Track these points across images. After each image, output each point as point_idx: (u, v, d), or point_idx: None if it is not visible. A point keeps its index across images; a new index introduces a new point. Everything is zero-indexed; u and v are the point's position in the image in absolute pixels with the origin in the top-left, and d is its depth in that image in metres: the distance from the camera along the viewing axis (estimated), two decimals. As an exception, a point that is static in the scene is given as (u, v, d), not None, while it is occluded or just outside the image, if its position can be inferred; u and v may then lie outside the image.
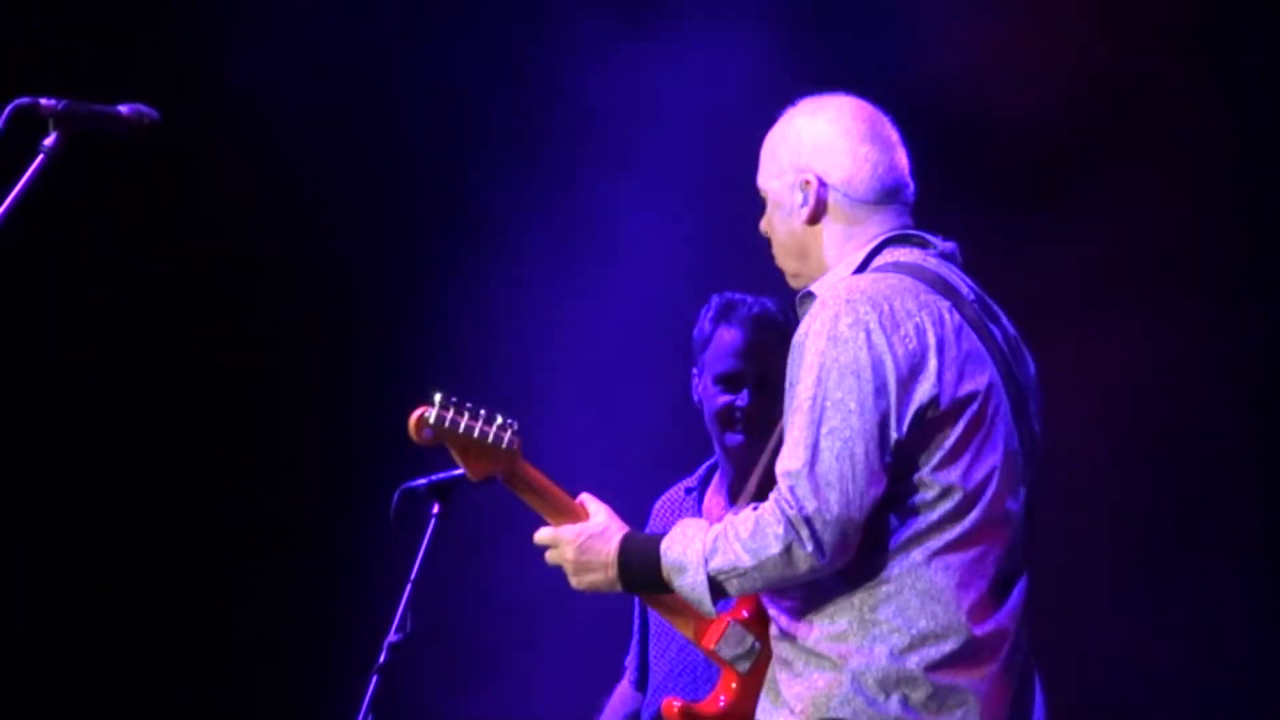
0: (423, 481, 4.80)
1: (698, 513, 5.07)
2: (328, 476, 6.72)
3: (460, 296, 6.74)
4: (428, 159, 6.88)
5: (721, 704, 3.95)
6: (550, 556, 3.94)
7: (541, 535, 3.96)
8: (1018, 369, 3.92)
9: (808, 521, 3.66)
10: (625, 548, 3.86)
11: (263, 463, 6.81)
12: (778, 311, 4.96)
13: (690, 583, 3.75)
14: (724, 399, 4.95)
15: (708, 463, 5.15)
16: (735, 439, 4.96)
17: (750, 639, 3.93)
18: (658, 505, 5.21)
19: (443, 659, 6.26)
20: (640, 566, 3.83)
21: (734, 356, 4.96)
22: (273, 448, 6.83)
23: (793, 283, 3.99)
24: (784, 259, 3.98)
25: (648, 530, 5.15)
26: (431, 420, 3.96)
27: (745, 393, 4.94)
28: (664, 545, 3.80)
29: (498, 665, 6.61)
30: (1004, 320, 3.95)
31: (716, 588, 3.74)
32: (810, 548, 3.66)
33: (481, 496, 4.88)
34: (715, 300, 5.05)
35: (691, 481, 5.16)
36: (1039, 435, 3.94)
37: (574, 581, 3.92)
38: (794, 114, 3.98)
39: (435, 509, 4.76)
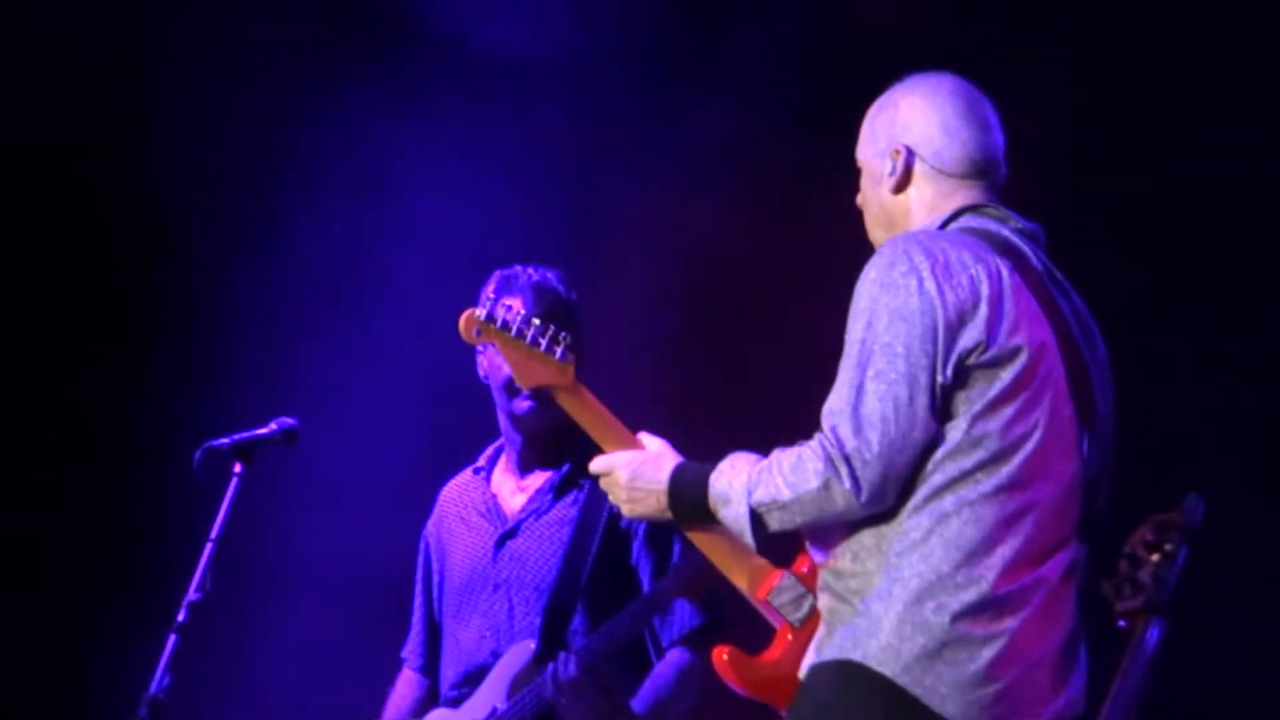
0: (226, 441, 4.78)
1: (487, 493, 5.11)
2: (128, 433, 6.71)
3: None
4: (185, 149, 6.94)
5: (777, 651, 3.94)
6: (604, 484, 3.97)
7: (598, 462, 3.99)
8: (1085, 344, 3.93)
9: (847, 460, 3.69)
10: (676, 476, 3.88)
11: (66, 417, 6.80)
12: (558, 281, 5.00)
13: (734, 514, 3.77)
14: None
15: (493, 444, 5.19)
16: (523, 405, 4.98)
17: (804, 591, 3.94)
18: (445, 490, 5.25)
19: (237, 620, 6.27)
20: (689, 495, 3.84)
21: None
22: (77, 404, 6.82)
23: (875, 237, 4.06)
24: (874, 230, 4.05)
25: (434, 519, 5.21)
26: (481, 318, 4.00)
27: None
28: (712, 476, 3.81)
29: (285, 629, 6.67)
30: (1075, 298, 3.97)
31: (757, 520, 3.75)
32: (848, 485, 3.69)
33: (285, 457, 4.95)
34: (496, 274, 5.08)
35: (481, 462, 5.20)
36: (1104, 415, 3.95)
37: (626, 510, 3.95)
38: (896, 89, 4.06)
39: (238, 468, 4.74)
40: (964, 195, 3.99)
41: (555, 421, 4.91)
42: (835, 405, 3.73)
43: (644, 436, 4.03)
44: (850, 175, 4.16)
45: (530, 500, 5.05)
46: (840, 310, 3.87)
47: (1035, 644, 3.75)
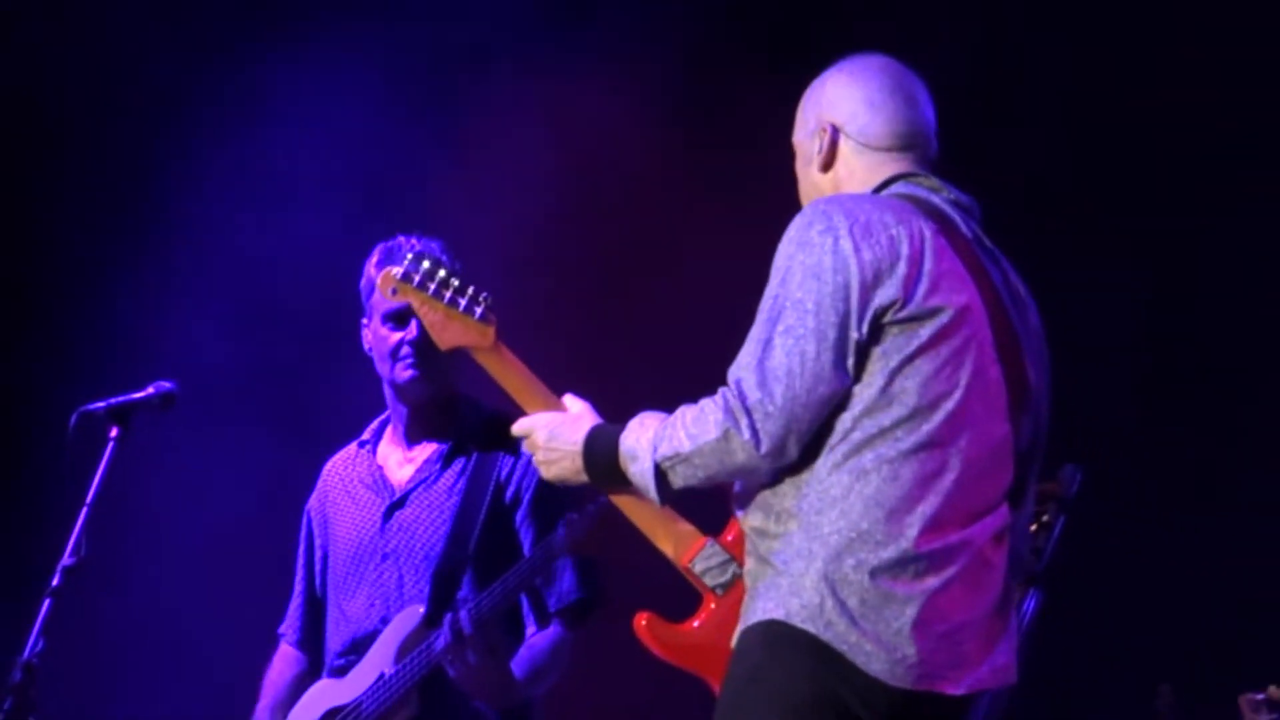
0: (101, 405, 4.76)
1: (373, 465, 5.14)
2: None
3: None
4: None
5: (698, 619, 3.99)
6: (526, 445, 3.99)
7: (519, 424, 4.00)
8: (1015, 313, 3.95)
9: (748, 411, 3.70)
10: (590, 437, 3.90)
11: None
12: (440, 249, 5.02)
13: (640, 470, 3.79)
14: (395, 335, 4.99)
15: (379, 417, 5.21)
16: (407, 373, 5.00)
17: (728, 559, 3.97)
18: (329, 465, 5.26)
19: (109, 586, 6.28)
20: (602, 455, 3.86)
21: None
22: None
23: None
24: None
25: (317, 494, 5.23)
26: (398, 275, 4.03)
27: (413, 324, 4.95)
28: (623, 434, 3.84)
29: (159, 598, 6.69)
30: (1007, 266, 4.00)
31: (661, 476, 3.78)
32: (748, 435, 3.70)
33: (162, 421, 4.95)
34: (378, 246, 5.10)
35: (366, 436, 5.21)
36: (1036, 385, 3.95)
37: (544, 471, 3.97)
38: (826, 72, 4.09)
39: (113, 433, 4.72)
40: (893, 166, 4.02)
41: (439, 392, 4.98)
42: (743, 359, 3.76)
43: (568, 399, 4.04)
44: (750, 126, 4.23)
45: (418, 471, 5.07)
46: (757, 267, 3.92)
47: (959, 607, 3.75)
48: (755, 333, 3.79)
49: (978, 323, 3.85)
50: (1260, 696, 5.47)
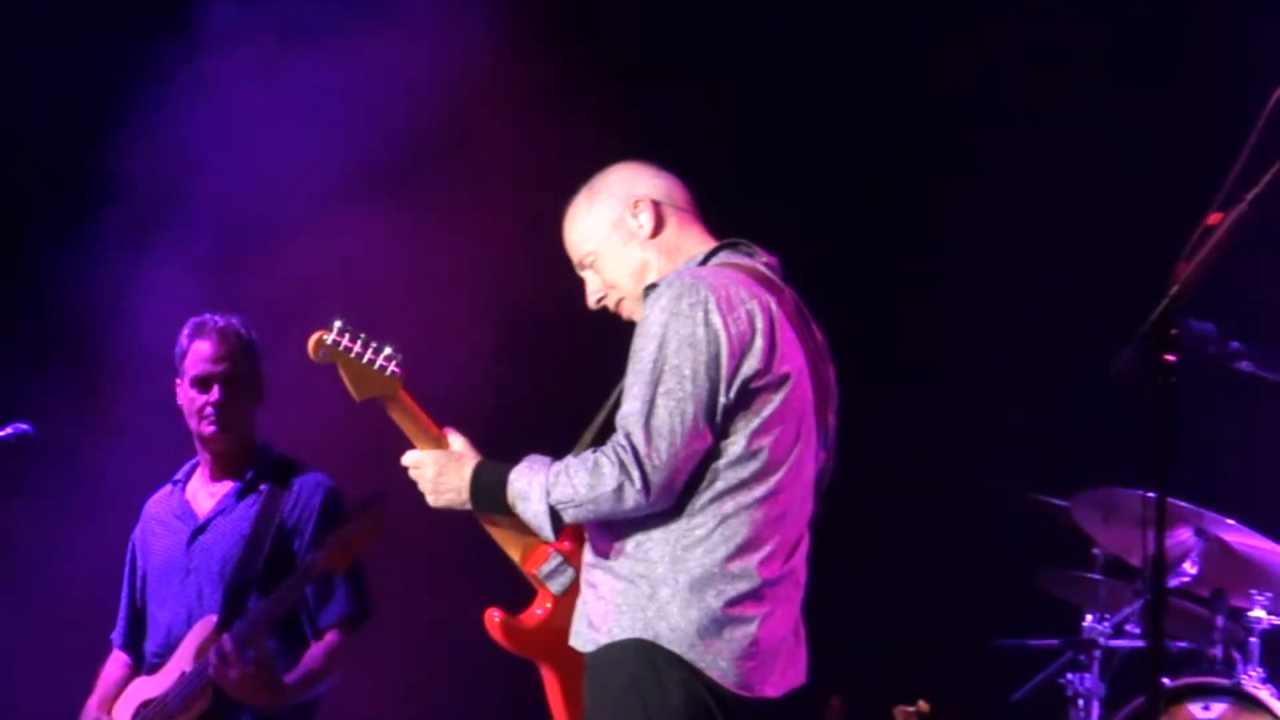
0: None
1: (182, 499, 5.93)
2: None
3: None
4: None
5: (539, 615, 4.54)
6: (413, 475, 4.52)
7: (409, 457, 4.54)
8: (822, 367, 4.50)
9: (639, 464, 4.22)
10: (477, 473, 4.43)
11: None
12: (240, 325, 5.87)
13: (533, 510, 4.31)
14: (200, 398, 5.80)
15: (190, 462, 6.01)
16: (209, 429, 5.81)
17: (568, 566, 4.54)
18: (149, 503, 6.04)
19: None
20: (489, 491, 4.40)
21: (205, 362, 5.80)
22: None
23: (635, 308, 4.50)
24: (629, 288, 4.53)
25: (139, 526, 5.99)
26: (328, 342, 4.56)
27: (215, 390, 5.79)
28: (511, 475, 4.37)
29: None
30: (814, 325, 4.52)
31: (555, 516, 4.30)
32: (639, 486, 4.22)
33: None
34: (190, 320, 5.90)
35: (179, 475, 6.01)
36: (833, 427, 4.53)
37: (431, 500, 4.50)
38: (589, 187, 4.59)
39: None
40: (699, 228, 4.54)
41: (235, 441, 5.84)
42: (630, 417, 4.26)
43: (450, 432, 4.55)
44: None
45: (219, 503, 5.89)
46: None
47: (783, 623, 4.36)
48: (638, 392, 4.27)
49: (805, 383, 4.42)
50: (911, 709, 6.13)
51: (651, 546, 4.32)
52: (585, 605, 4.40)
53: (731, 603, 4.28)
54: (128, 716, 5.83)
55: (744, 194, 4.74)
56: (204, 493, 5.94)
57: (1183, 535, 6.51)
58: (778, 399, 4.33)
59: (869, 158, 7.87)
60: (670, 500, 4.28)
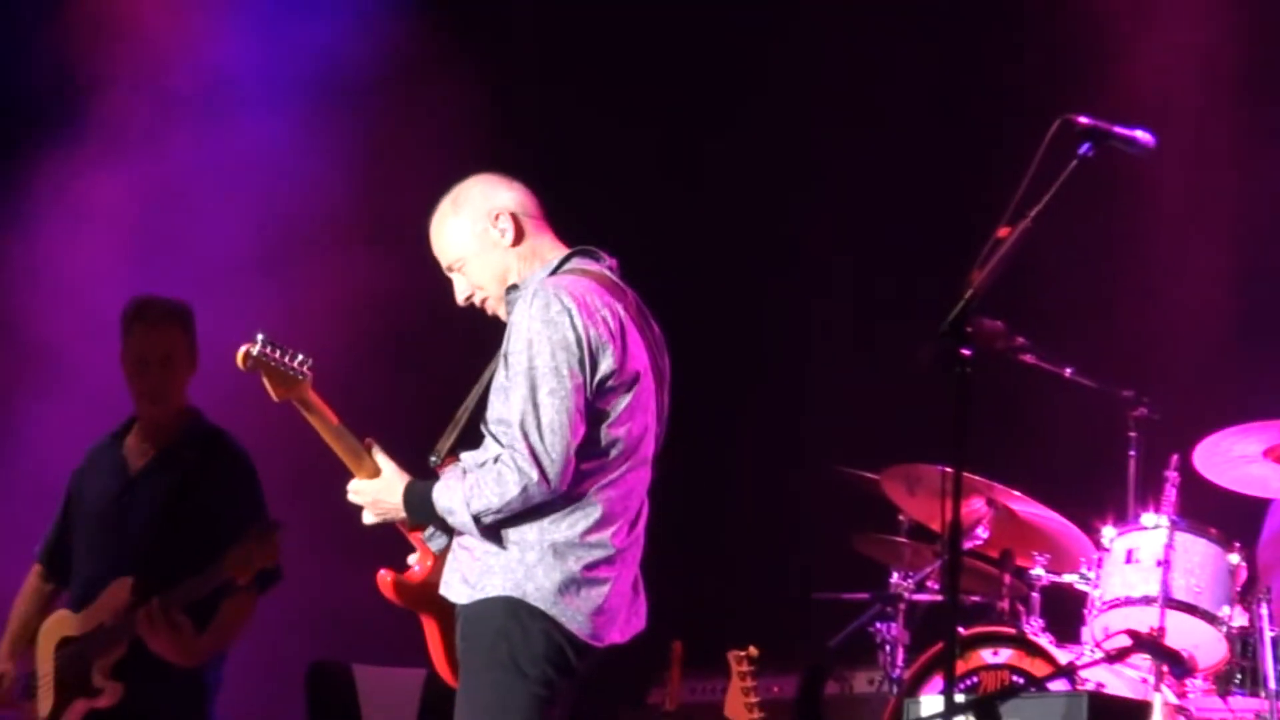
0: None
1: (118, 454, 6.44)
2: None
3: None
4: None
5: (420, 575, 4.92)
6: (353, 499, 4.91)
7: (351, 492, 4.91)
8: (660, 358, 4.86)
9: (537, 463, 4.60)
10: (407, 498, 4.82)
11: None
12: (175, 304, 6.42)
13: (460, 521, 4.71)
14: (138, 377, 6.35)
15: (129, 417, 6.54)
16: (144, 400, 6.38)
17: (445, 531, 4.87)
18: (91, 448, 6.56)
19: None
20: (420, 510, 4.80)
21: (144, 343, 6.32)
22: None
23: (499, 306, 4.87)
24: (493, 290, 4.87)
25: (80, 466, 6.51)
26: (255, 353, 4.92)
27: (153, 371, 6.32)
28: (435, 495, 4.75)
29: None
30: (652, 321, 4.88)
31: (477, 521, 4.68)
32: (537, 480, 4.60)
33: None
34: (132, 300, 6.43)
35: (117, 429, 6.54)
36: (667, 406, 4.89)
37: (367, 518, 4.90)
38: (449, 199, 4.92)
39: None
40: (551, 235, 4.87)
41: (167, 412, 6.38)
42: (521, 421, 4.62)
43: (376, 453, 4.89)
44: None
45: (147, 464, 6.41)
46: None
47: (627, 582, 4.78)
48: (522, 394, 4.62)
49: (649, 378, 4.79)
50: (742, 653, 6.47)
51: (520, 519, 4.72)
52: (460, 564, 4.79)
53: (589, 567, 4.71)
54: (50, 649, 6.33)
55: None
56: (137, 450, 6.42)
57: (976, 504, 6.97)
58: (630, 396, 4.74)
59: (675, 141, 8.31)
60: (570, 484, 4.65)
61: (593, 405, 4.69)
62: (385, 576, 4.94)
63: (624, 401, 4.73)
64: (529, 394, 4.65)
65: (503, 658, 4.69)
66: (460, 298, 4.97)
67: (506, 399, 4.70)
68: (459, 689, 4.81)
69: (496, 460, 4.69)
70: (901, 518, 7.34)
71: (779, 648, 6.89)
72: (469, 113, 8.11)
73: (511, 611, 4.70)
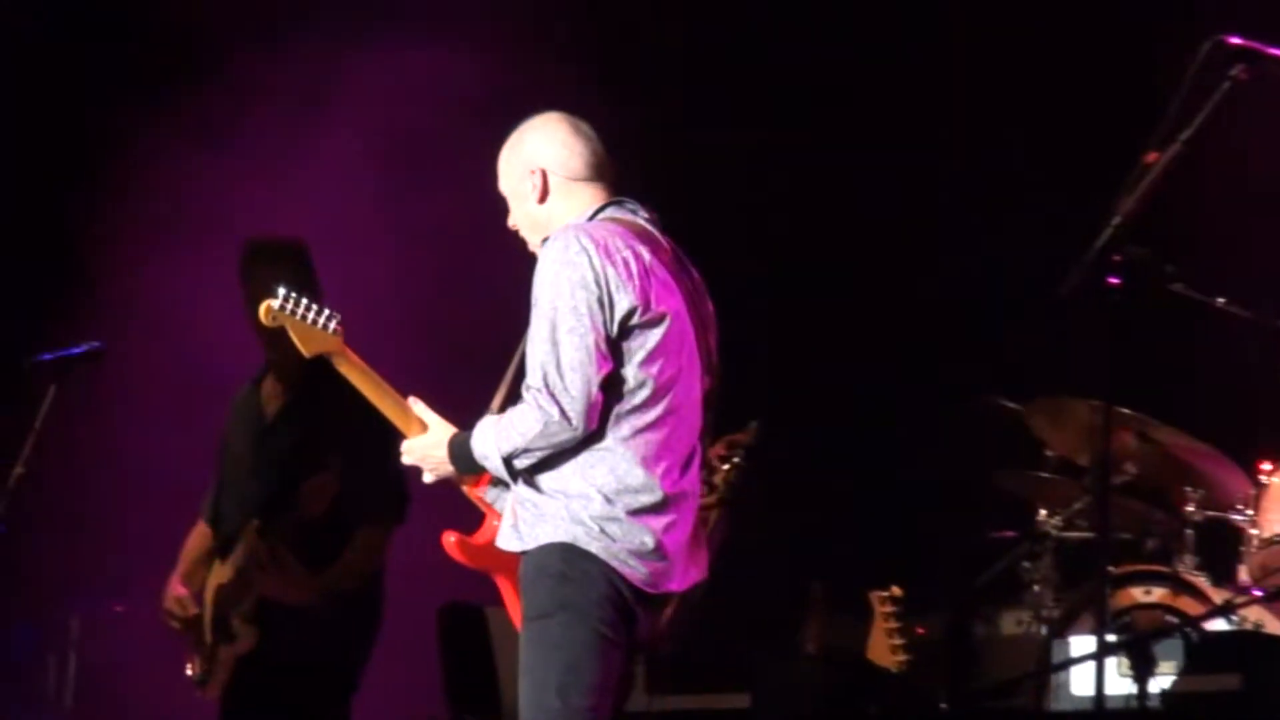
0: (44, 357, 6.09)
1: (257, 401, 6.53)
2: None
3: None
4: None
5: (487, 536, 4.98)
6: (406, 461, 5.02)
7: (403, 447, 5.01)
8: (700, 305, 4.96)
9: (555, 399, 4.72)
10: (451, 449, 4.93)
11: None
12: (290, 242, 6.51)
13: (494, 465, 4.83)
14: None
15: (265, 362, 6.61)
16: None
17: (505, 487, 4.94)
18: (236, 398, 6.66)
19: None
20: (464, 460, 4.90)
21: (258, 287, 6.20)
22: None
23: (536, 249, 4.99)
24: (531, 235, 5.03)
25: (230, 417, 6.61)
26: (276, 307, 5.05)
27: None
28: (473, 442, 4.86)
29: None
30: (691, 268, 4.99)
31: (509, 465, 4.79)
32: (559, 418, 4.72)
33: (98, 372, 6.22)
34: (245, 244, 6.52)
35: (258, 374, 6.62)
36: (714, 351, 4.99)
37: (427, 478, 5.00)
38: (517, 131, 5.06)
39: (53, 387, 6.05)
40: (593, 193, 4.97)
41: (291, 360, 6.24)
42: (542, 361, 4.75)
43: (415, 404, 5.01)
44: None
45: (280, 409, 6.52)
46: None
47: (679, 532, 4.84)
48: (544, 335, 4.75)
49: (684, 320, 4.87)
50: (885, 594, 6.65)
51: (565, 466, 4.81)
52: (513, 516, 4.89)
53: (635, 512, 4.79)
54: (209, 598, 6.47)
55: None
56: (272, 393, 6.54)
57: (1125, 438, 6.93)
58: (658, 333, 4.82)
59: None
60: (594, 423, 4.76)
61: (616, 344, 4.79)
62: (449, 538, 4.99)
63: (651, 341, 4.82)
64: (550, 333, 4.77)
65: (564, 600, 4.77)
66: (510, 221, 5.11)
67: (533, 342, 4.83)
68: (522, 635, 4.86)
69: (520, 401, 4.82)
70: (1048, 452, 7.26)
71: (923, 588, 6.90)
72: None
73: (566, 556, 4.78)
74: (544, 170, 5.01)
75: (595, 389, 4.76)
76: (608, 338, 4.78)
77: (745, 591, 6.62)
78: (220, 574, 6.49)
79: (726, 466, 6.17)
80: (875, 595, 6.66)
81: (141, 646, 7.50)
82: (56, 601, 7.97)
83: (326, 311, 5.11)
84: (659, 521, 4.82)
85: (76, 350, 6.19)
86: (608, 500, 4.79)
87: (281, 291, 5.09)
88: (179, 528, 6.73)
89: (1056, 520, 7.12)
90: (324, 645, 6.35)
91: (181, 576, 6.58)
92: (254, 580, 6.34)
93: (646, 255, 4.86)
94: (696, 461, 4.96)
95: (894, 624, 6.61)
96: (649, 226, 4.98)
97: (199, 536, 6.66)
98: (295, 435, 6.44)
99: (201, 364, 7.74)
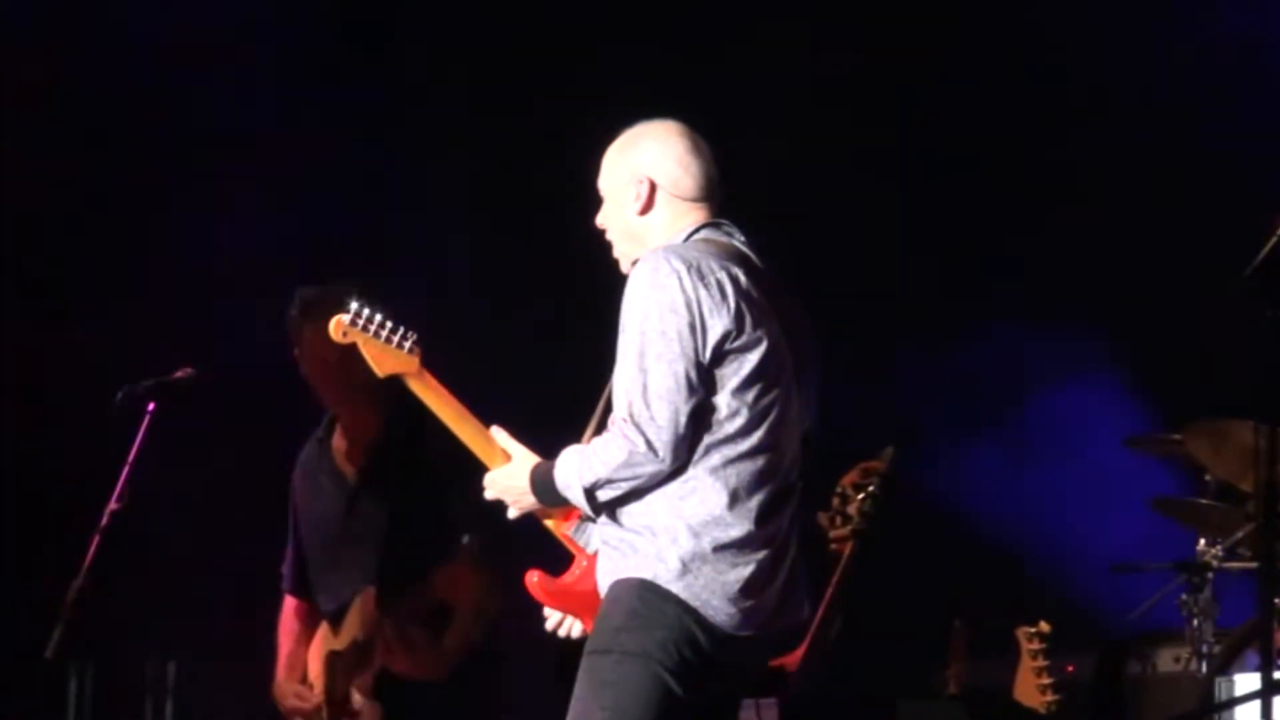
0: (145, 384, 5.85)
1: (330, 458, 6.27)
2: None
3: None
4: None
5: (576, 574, 4.76)
6: (489, 494, 4.83)
7: (486, 481, 4.83)
8: (798, 337, 4.76)
9: (641, 430, 4.55)
10: (534, 481, 4.74)
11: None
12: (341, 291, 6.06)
13: (575, 497, 4.65)
14: (321, 380, 6.15)
15: (327, 415, 6.34)
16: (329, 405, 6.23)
17: (590, 527, 4.75)
18: (303, 455, 6.38)
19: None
20: (546, 492, 4.72)
21: (315, 345, 5.98)
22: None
23: (624, 262, 4.85)
24: (620, 243, 4.87)
25: (297, 475, 6.35)
26: (347, 322, 4.84)
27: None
28: (555, 474, 4.68)
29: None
30: (793, 299, 4.79)
31: (590, 497, 4.62)
32: (645, 450, 4.55)
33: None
34: (297, 293, 6.19)
35: (320, 433, 6.35)
36: (814, 394, 4.80)
37: (512, 512, 4.81)
38: (634, 131, 4.89)
39: (151, 406, 5.82)
40: (698, 215, 4.81)
41: (360, 409, 6.17)
42: (629, 388, 4.58)
43: (497, 434, 4.83)
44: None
45: (362, 470, 6.24)
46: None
47: (771, 573, 4.64)
48: (632, 361, 4.58)
49: (782, 347, 4.68)
50: (1033, 629, 6.42)
51: (652, 499, 4.62)
52: (602, 559, 4.71)
53: (722, 547, 4.59)
54: (317, 667, 6.22)
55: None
56: (345, 454, 6.26)
57: None
58: (753, 359, 4.62)
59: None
60: (684, 458, 4.58)
61: (709, 370, 4.62)
62: (532, 577, 4.79)
63: (746, 367, 4.63)
64: (638, 360, 4.60)
65: (628, 639, 4.59)
66: (599, 220, 4.94)
67: (620, 370, 4.67)
68: (581, 668, 4.65)
69: (606, 430, 4.67)
70: (1208, 478, 7.00)
71: (1073, 623, 6.73)
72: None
73: (641, 594, 4.61)
74: (653, 182, 4.85)
75: (684, 419, 4.59)
76: (699, 364, 4.60)
77: (883, 629, 6.49)
78: (331, 643, 6.23)
79: (861, 495, 5.99)
80: (1022, 631, 6.46)
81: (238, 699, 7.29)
82: (151, 645, 7.79)
83: (403, 329, 4.88)
84: (748, 558, 4.63)
85: (174, 377, 5.96)
86: (694, 534, 4.60)
87: (354, 305, 4.86)
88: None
89: (1217, 550, 6.85)
90: (451, 710, 6.17)
91: (286, 666, 6.32)
92: (377, 655, 6.09)
93: (742, 278, 4.69)
94: (794, 498, 4.74)
95: (1042, 662, 6.41)
96: (745, 250, 4.81)
97: (291, 613, 6.40)
98: (389, 498, 6.20)
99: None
